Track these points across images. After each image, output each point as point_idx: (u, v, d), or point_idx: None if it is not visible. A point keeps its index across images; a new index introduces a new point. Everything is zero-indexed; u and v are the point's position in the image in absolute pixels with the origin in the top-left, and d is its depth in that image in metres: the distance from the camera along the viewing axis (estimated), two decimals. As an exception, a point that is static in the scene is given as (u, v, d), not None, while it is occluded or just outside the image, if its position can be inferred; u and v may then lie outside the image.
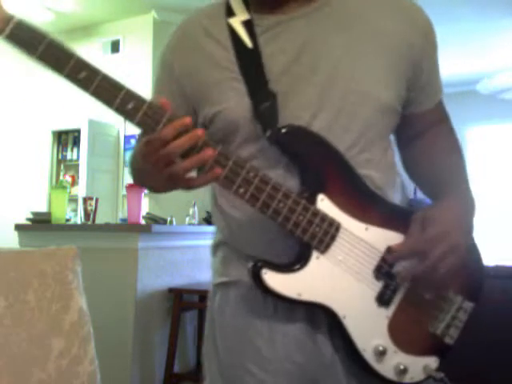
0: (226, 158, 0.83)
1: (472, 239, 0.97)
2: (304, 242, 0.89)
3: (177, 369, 3.02)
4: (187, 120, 0.80)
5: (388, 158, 0.98)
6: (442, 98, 1.05)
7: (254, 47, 0.91)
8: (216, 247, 1.05)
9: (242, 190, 0.85)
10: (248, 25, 0.93)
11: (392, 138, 1.03)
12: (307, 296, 0.89)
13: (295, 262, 0.90)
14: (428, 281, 0.92)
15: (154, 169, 0.83)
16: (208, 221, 4.18)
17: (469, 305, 0.97)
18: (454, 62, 6.04)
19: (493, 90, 5.77)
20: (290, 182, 0.89)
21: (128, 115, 0.80)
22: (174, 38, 1.01)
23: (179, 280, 3.13)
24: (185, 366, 3.18)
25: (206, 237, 3.69)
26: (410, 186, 1.08)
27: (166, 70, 1.01)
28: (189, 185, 0.85)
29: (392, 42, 0.93)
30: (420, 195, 1.09)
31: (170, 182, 0.85)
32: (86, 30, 5.65)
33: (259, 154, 0.91)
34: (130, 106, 0.80)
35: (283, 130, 0.87)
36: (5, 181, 5.73)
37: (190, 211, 3.91)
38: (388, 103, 0.93)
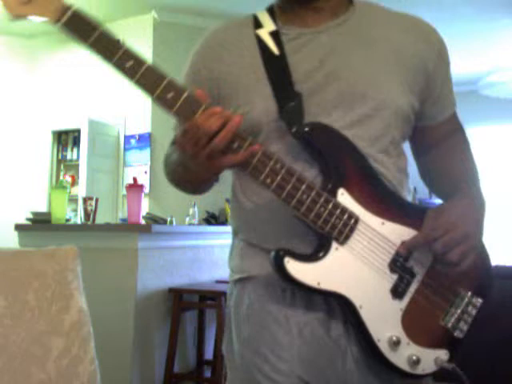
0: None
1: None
2: (324, 234, 0.93)
3: (177, 369, 3.02)
4: (219, 109, 0.85)
5: (400, 162, 1.03)
6: (456, 112, 1.11)
7: (281, 54, 0.97)
8: (233, 245, 1.09)
9: (268, 180, 0.89)
10: (274, 35, 1.00)
11: (406, 146, 1.09)
12: (326, 285, 0.92)
13: (315, 252, 0.93)
14: (442, 268, 0.94)
15: (194, 159, 0.87)
16: (208, 221, 4.19)
17: (478, 300, 0.99)
18: (454, 62, 5.99)
19: (493, 89, 5.77)
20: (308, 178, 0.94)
21: (167, 104, 0.85)
22: (202, 44, 1.06)
23: (179, 280, 3.13)
24: (185, 366, 3.18)
25: (206, 237, 3.71)
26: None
27: (191, 74, 1.06)
28: (228, 162, 0.87)
29: (407, 56, 1.00)
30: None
31: (209, 166, 0.88)
32: (86, 30, 5.63)
33: (280, 152, 0.95)
34: (170, 95, 0.84)
35: (307, 127, 0.92)
36: (5, 181, 5.72)
37: (190, 211, 3.91)
38: (404, 109, 0.99)
